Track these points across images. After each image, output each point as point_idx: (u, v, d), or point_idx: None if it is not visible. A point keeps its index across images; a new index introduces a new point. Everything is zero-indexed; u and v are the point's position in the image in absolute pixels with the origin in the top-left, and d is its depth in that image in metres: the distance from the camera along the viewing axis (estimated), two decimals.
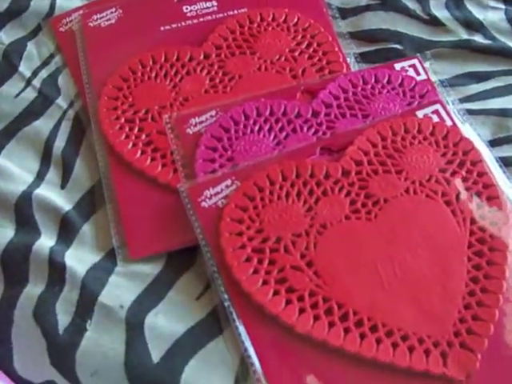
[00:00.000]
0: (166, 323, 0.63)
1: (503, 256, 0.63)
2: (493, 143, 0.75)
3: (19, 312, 0.65)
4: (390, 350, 0.58)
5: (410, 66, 0.80)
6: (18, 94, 0.83)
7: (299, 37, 0.83)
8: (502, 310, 0.61)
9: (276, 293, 0.62)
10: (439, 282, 0.62)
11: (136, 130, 0.75)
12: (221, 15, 0.86)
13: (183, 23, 0.86)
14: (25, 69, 0.85)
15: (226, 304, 0.61)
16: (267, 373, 0.58)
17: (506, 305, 0.61)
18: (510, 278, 0.62)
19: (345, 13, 0.90)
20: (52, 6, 0.92)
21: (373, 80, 0.77)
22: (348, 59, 0.82)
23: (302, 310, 0.61)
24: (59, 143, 0.78)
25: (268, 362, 0.59)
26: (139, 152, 0.73)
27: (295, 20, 0.84)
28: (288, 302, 0.61)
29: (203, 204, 0.67)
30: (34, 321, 0.64)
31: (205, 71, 0.80)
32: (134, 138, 0.75)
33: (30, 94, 0.83)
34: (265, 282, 0.62)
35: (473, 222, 0.65)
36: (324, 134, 0.73)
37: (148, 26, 0.85)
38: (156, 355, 0.61)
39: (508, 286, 0.62)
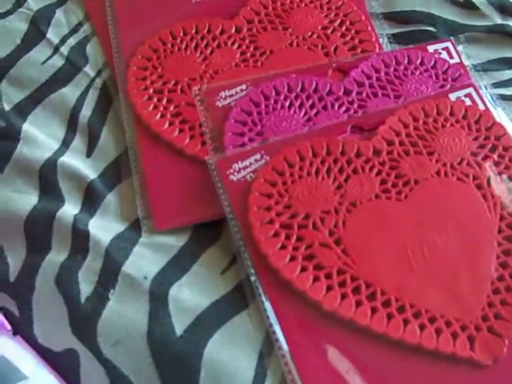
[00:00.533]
0: (191, 296, 0.62)
1: None
2: None
3: (41, 279, 0.64)
4: (417, 332, 0.58)
5: (443, 49, 0.79)
6: (45, 61, 0.82)
7: (332, 14, 0.82)
8: None
9: (303, 269, 0.61)
10: (468, 266, 0.61)
11: (164, 101, 0.75)
12: None
13: None
14: (53, 35, 0.85)
15: (253, 279, 0.61)
16: (292, 349, 0.57)
17: None
18: None
19: None
20: None
21: (406, 61, 0.76)
22: (380, 39, 0.81)
23: (329, 288, 0.60)
24: (86, 112, 0.77)
25: (293, 339, 0.58)
26: (167, 123, 0.73)
27: None
28: (315, 278, 0.60)
29: (232, 177, 0.66)
30: (56, 288, 0.63)
31: (236, 45, 0.79)
32: (162, 108, 0.74)
33: (58, 61, 0.82)
34: (292, 258, 0.61)
35: (503, 206, 0.65)
36: (355, 112, 0.72)
37: None
38: (179, 328, 0.60)
39: None
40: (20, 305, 0.63)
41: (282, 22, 0.81)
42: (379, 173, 0.66)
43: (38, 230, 0.67)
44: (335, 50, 0.79)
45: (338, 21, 0.81)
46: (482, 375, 0.57)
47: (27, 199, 0.69)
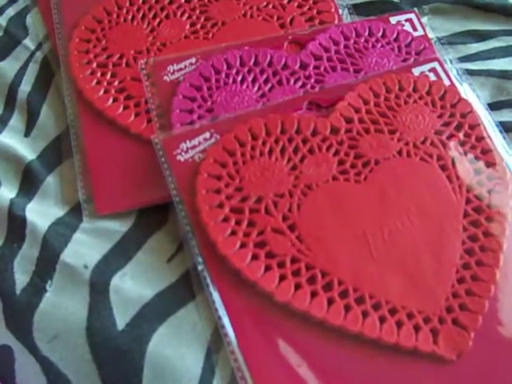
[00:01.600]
0: (134, 286, 0.59)
1: (501, 227, 0.60)
2: (492, 107, 0.71)
3: None
4: (376, 325, 0.54)
5: (406, 21, 0.76)
6: None
7: None
8: (498, 285, 0.57)
9: (255, 257, 0.57)
10: (432, 253, 0.58)
11: (108, 75, 0.71)
12: None
13: None
14: None
15: (200, 268, 0.57)
16: (242, 345, 0.54)
17: (503, 280, 0.57)
18: (508, 251, 0.58)
19: None
20: None
21: (366, 33, 0.73)
22: (340, 10, 0.78)
23: (282, 277, 0.56)
24: (25, 87, 0.73)
25: (243, 333, 0.54)
26: (111, 99, 0.69)
27: None
28: (267, 267, 0.57)
29: (179, 157, 0.62)
30: None
31: (185, 15, 0.75)
32: (105, 84, 0.70)
33: None
34: (243, 245, 0.58)
35: (469, 189, 0.61)
36: (312, 87, 0.68)
37: None
38: (121, 321, 0.56)
39: (505, 259, 0.58)
40: None
41: None
42: (337, 153, 0.63)
43: None
44: (291, 21, 0.75)
45: None
46: (445, 370, 0.54)
47: None
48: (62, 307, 0.58)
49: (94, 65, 0.72)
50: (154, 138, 0.63)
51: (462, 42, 0.78)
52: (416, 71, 0.69)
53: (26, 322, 0.57)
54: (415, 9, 0.77)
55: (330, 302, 0.55)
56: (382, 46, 0.71)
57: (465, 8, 0.80)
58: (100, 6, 0.76)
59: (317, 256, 0.57)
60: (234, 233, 0.58)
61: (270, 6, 0.76)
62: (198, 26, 0.74)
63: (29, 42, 0.77)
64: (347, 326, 0.54)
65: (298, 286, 0.56)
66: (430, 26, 0.76)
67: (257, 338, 0.54)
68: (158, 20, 0.75)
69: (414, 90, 0.67)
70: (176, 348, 0.55)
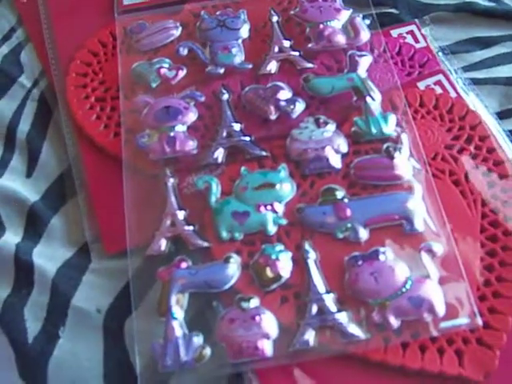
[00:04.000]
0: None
1: None
2: (501, 115, 0.70)
3: None
4: (399, 351, 0.53)
5: (407, 33, 0.75)
6: None
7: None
8: None
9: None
10: None
11: (108, 109, 0.70)
12: None
13: None
14: None
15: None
16: None
17: None
18: None
19: None
20: None
21: (368, 48, 0.71)
22: None
23: None
24: (24, 127, 0.72)
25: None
26: (112, 134, 0.68)
27: None
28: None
29: None
30: (0, 328, 0.58)
31: None
32: (105, 118, 0.70)
33: None
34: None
35: (484, 203, 0.61)
36: (317, 109, 0.67)
37: None
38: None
39: None
40: None
41: None
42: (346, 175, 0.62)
43: None
44: None
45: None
46: None
47: None
48: (77, 354, 0.57)
49: (93, 99, 0.71)
50: None
51: (466, 50, 0.76)
52: (421, 85, 0.69)
53: (40, 371, 0.56)
54: (416, 20, 0.77)
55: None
56: (384, 60, 0.70)
57: (467, 15, 0.79)
58: (95, 38, 0.75)
59: None
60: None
61: None
62: None
63: (25, 80, 0.76)
64: (370, 356, 0.53)
65: None
66: (432, 36, 0.76)
67: None
68: None
69: (421, 105, 0.66)
70: None
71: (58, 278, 0.61)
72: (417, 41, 0.74)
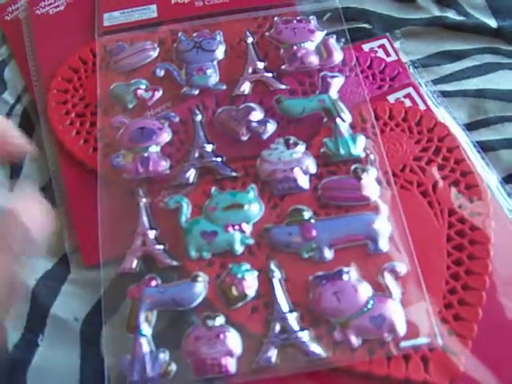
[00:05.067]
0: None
1: (485, 249, 0.60)
2: (470, 127, 0.71)
3: None
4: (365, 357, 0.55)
5: (379, 47, 0.76)
6: None
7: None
8: (485, 308, 0.57)
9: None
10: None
11: (87, 124, 0.71)
12: None
13: None
14: None
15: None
16: None
17: (489, 302, 0.57)
18: (493, 273, 0.58)
19: None
20: None
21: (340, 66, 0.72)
22: None
23: None
24: None
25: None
26: (91, 149, 0.69)
27: None
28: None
29: None
30: None
31: None
32: (85, 133, 0.71)
33: None
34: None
35: (451, 213, 0.62)
36: (288, 129, 0.68)
37: None
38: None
39: (491, 281, 0.58)
40: None
41: None
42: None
43: None
44: None
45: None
46: None
47: None
48: (55, 361, 0.58)
49: (73, 115, 0.72)
50: None
51: (436, 63, 0.77)
52: (391, 98, 0.70)
53: (20, 378, 0.58)
54: (387, 34, 0.78)
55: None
56: (355, 74, 0.71)
57: (438, 29, 0.80)
58: (75, 55, 0.76)
59: None
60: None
61: None
62: None
63: (8, 96, 0.77)
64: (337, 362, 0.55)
65: None
66: (403, 50, 0.77)
67: None
68: None
69: (390, 118, 0.67)
70: None
71: (37, 288, 0.62)
72: (388, 55, 0.75)
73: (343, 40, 0.73)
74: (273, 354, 0.55)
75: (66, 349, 0.59)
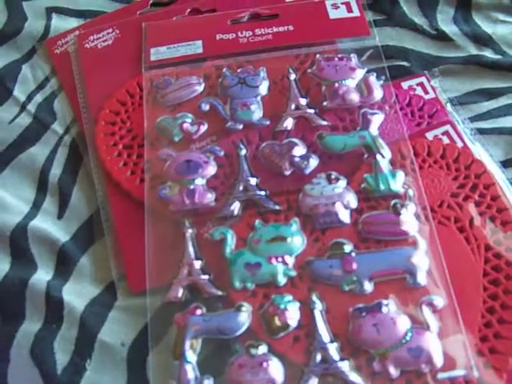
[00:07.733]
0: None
1: None
2: (506, 164, 0.72)
3: (16, 350, 0.62)
4: None
5: (417, 85, 0.78)
6: (12, 120, 0.80)
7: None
8: None
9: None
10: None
11: (135, 156, 0.73)
12: None
13: None
14: (19, 93, 0.83)
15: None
16: None
17: None
18: None
19: None
20: (47, 28, 0.89)
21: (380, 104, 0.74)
22: None
23: None
24: (55, 171, 0.75)
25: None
26: (138, 180, 0.71)
27: None
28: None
29: None
30: (32, 360, 0.61)
31: None
32: (132, 165, 0.73)
33: (25, 120, 0.80)
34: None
35: (487, 248, 0.63)
36: (330, 165, 0.69)
37: None
38: None
39: None
40: None
41: None
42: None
43: (10, 299, 0.65)
44: None
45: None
46: None
47: None
48: None
49: (121, 146, 0.74)
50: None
51: (473, 101, 0.79)
52: (430, 135, 0.71)
53: None
54: (426, 72, 0.79)
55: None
56: (395, 111, 0.72)
57: (475, 67, 0.82)
58: (123, 88, 0.78)
59: None
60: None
61: None
62: None
63: (57, 127, 0.79)
64: None
65: None
66: (441, 88, 0.78)
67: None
68: None
69: (429, 155, 0.69)
70: None
71: (85, 313, 0.64)
72: (426, 92, 0.76)
73: (383, 78, 0.73)
74: (314, 382, 0.56)
75: (113, 373, 0.60)
